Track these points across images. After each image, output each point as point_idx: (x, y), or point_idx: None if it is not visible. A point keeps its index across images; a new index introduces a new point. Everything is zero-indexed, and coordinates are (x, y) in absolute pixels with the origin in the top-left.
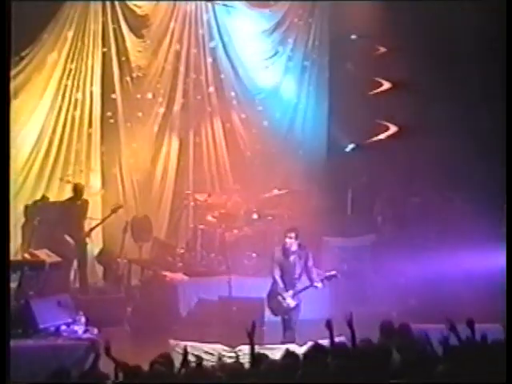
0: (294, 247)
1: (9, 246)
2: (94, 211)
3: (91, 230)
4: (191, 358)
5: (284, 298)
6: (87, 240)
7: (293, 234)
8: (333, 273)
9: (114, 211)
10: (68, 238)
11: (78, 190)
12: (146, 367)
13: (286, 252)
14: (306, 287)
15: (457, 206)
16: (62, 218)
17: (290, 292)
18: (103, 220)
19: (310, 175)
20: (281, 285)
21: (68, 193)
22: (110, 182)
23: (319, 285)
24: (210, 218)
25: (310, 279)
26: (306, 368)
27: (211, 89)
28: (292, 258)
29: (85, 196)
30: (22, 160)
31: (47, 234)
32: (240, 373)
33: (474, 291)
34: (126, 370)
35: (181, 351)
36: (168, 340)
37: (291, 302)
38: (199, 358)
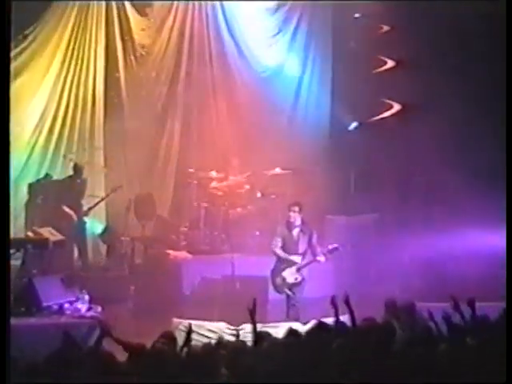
0: (298, 221)
1: (9, 225)
2: (97, 189)
3: (90, 208)
4: (196, 336)
5: (287, 273)
6: (86, 219)
7: (296, 208)
8: (335, 245)
9: (112, 191)
10: (67, 210)
11: (77, 168)
12: (149, 345)
13: (289, 226)
14: (309, 262)
15: (460, 184)
16: (61, 196)
17: (294, 267)
18: (101, 200)
19: (314, 153)
20: (282, 256)
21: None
22: (113, 161)
23: (322, 258)
24: (213, 196)
25: (314, 255)
26: (309, 346)
27: (215, 67)
28: (295, 232)
29: (88, 174)
30: (26, 138)
31: (50, 212)
32: (242, 351)
33: (477, 270)
34: (129, 349)
35: (184, 329)
36: (171, 318)
37: (295, 277)
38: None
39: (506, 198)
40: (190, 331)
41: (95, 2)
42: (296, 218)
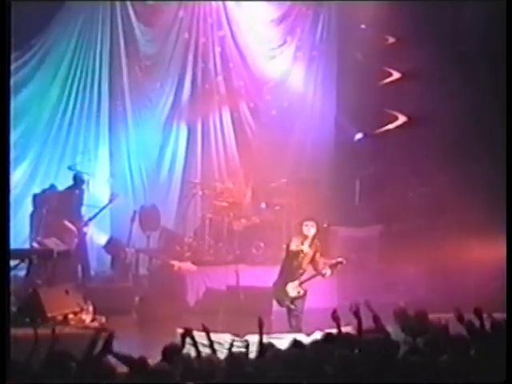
0: (311, 235)
1: (9, 235)
2: (102, 200)
3: (90, 219)
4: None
5: (290, 288)
6: (86, 229)
7: (312, 222)
8: (339, 259)
9: (111, 200)
10: (68, 224)
11: (77, 178)
12: (152, 356)
13: (302, 239)
14: (313, 276)
15: (465, 195)
16: (61, 207)
17: (296, 282)
18: (101, 210)
19: (318, 165)
20: (286, 274)
21: None
22: (118, 171)
23: (327, 272)
24: (218, 207)
25: (316, 270)
26: (313, 358)
27: (219, 78)
28: (305, 245)
29: (92, 185)
30: (32, 148)
31: (54, 223)
32: (244, 362)
33: (482, 280)
34: (130, 363)
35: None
36: (176, 329)
37: (297, 291)
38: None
39: (506, 206)
40: (184, 336)
41: (101, 12)
42: (310, 232)
